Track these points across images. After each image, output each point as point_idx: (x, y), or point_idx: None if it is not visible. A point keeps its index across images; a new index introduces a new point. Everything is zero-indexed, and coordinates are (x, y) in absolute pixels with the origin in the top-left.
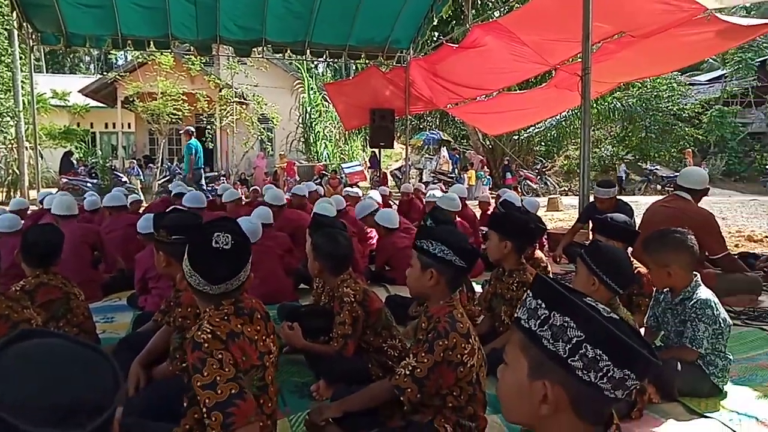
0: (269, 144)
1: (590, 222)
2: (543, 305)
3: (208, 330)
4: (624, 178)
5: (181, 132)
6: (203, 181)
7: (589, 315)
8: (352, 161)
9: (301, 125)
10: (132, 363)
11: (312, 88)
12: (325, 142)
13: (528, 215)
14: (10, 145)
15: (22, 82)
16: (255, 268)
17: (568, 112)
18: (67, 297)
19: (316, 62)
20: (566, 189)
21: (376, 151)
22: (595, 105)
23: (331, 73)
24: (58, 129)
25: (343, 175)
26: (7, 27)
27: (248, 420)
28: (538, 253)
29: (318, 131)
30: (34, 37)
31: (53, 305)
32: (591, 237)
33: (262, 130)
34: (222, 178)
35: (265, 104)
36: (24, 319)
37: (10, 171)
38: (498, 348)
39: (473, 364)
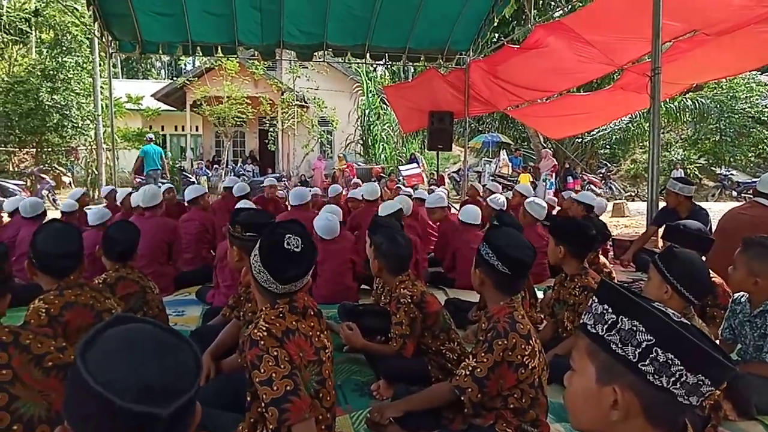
0: (328, 146)
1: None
2: (609, 310)
3: (264, 328)
4: None
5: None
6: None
7: (658, 318)
8: (417, 163)
9: (359, 128)
10: (203, 355)
11: (371, 91)
12: (383, 145)
13: (590, 220)
14: (90, 147)
15: (101, 87)
16: (322, 267)
17: (635, 113)
18: (143, 291)
19: (375, 65)
20: (633, 194)
21: (416, 152)
22: (664, 106)
23: (389, 75)
24: (132, 131)
25: (401, 178)
26: (89, 36)
27: (303, 416)
28: (602, 259)
29: (376, 133)
30: (112, 45)
31: (131, 298)
32: (661, 244)
33: (321, 132)
34: (283, 179)
35: (325, 107)
36: (106, 309)
37: (89, 171)
38: (561, 354)
39: (534, 366)
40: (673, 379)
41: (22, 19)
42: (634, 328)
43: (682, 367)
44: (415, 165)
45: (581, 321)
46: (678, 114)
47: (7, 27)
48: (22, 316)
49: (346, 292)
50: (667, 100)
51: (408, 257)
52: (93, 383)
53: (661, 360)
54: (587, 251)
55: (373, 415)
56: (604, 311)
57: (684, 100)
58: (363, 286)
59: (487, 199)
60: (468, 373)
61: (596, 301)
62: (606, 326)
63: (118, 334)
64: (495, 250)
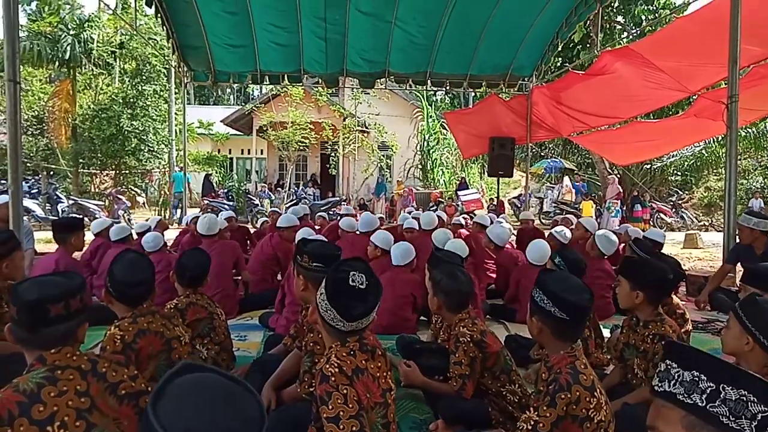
0: (387, 171)
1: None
2: (705, 378)
3: (336, 364)
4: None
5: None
6: (178, 205)
7: None
8: (468, 188)
9: (419, 152)
10: (264, 385)
11: (431, 116)
12: (442, 169)
13: (665, 261)
14: (163, 170)
15: (175, 113)
16: (383, 297)
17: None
18: (211, 317)
19: (435, 91)
20: (706, 224)
21: (466, 176)
22: (743, 131)
23: (449, 100)
24: (202, 155)
25: (460, 203)
26: (167, 66)
27: None
28: (675, 299)
29: (435, 158)
30: (188, 75)
31: (200, 324)
32: (739, 283)
33: (381, 157)
34: (343, 203)
35: (386, 132)
36: (174, 336)
37: (162, 192)
38: (631, 403)
39: (601, 419)
40: None
41: (109, 52)
42: (744, 399)
43: None
44: (473, 190)
45: (667, 390)
46: (758, 140)
47: (96, 60)
48: (98, 335)
49: (404, 324)
50: (746, 126)
51: (468, 294)
52: None
53: None
54: (665, 297)
55: None
56: (698, 379)
57: (765, 125)
58: (422, 318)
59: (552, 231)
60: (530, 427)
61: (679, 367)
62: (706, 396)
63: (185, 384)
64: (550, 295)
